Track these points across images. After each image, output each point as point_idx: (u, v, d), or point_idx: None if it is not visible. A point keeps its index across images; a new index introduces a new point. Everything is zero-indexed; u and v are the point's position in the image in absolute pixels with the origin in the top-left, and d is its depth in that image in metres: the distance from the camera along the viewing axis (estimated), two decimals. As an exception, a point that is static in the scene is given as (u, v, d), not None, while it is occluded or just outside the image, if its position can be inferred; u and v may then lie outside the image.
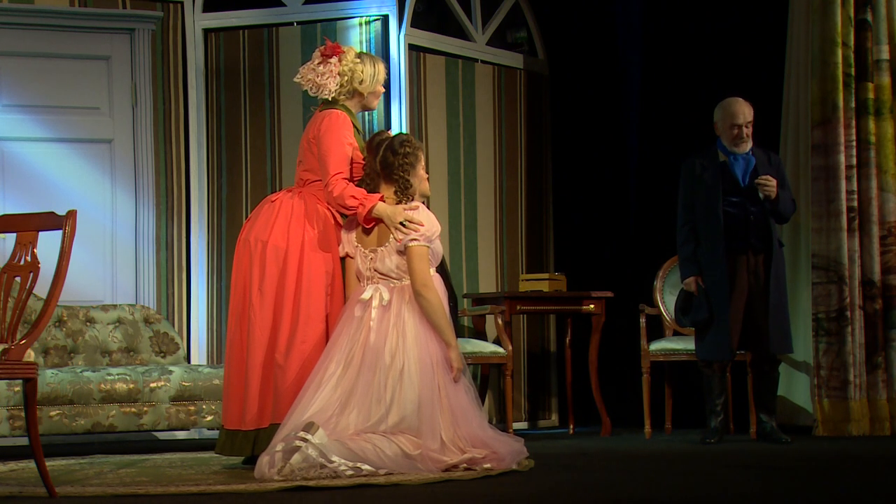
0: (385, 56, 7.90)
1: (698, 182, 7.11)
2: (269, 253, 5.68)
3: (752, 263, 7.02)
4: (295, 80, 5.91)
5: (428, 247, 5.54)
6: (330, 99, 5.84)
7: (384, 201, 5.62)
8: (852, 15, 7.62)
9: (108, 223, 7.93)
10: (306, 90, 5.91)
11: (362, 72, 5.81)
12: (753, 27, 8.44)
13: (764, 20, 8.34)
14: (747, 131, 7.04)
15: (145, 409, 6.89)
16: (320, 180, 5.75)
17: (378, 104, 6.10)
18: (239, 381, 5.70)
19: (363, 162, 5.76)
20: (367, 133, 7.60)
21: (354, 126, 5.82)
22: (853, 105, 7.60)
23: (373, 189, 5.67)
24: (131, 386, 6.85)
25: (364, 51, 7.39)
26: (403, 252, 5.52)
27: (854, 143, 7.59)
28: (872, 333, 7.55)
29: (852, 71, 7.60)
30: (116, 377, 6.85)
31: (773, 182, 6.96)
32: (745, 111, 7.05)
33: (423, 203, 5.71)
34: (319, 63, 5.81)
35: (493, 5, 8.72)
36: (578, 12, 9.05)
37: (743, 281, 7.01)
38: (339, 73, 5.78)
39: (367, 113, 7.78)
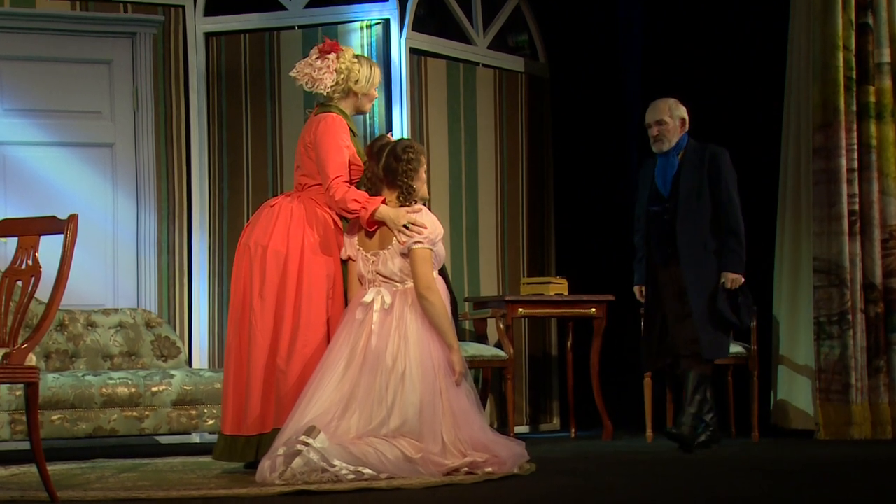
0: (386, 60, 7.90)
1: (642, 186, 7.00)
2: (270, 257, 5.66)
3: (677, 273, 6.77)
4: (291, 74, 5.89)
5: (431, 249, 5.52)
6: (325, 94, 5.82)
7: (386, 204, 5.61)
8: (853, 18, 7.60)
9: (110, 227, 7.91)
10: (308, 92, 5.90)
11: (358, 71, 5.81)
12: (754, 30, 8.43)
13: (765, 23, 8.33)
14: (657, 130, 6.79)
15: (147, 413, 6.88)
16: (319, 184, 5.73)
17: (371, 108, 6.11)
18: (239, 386, 5.67)
19: (360, 165, 5.75)
20: (367, 138, 7.58)
21: (351, 129, 5.81)
22: (854, 108, 7.58)
23: (374, 194, 5.66)
24: (132, 390, 6.85)
25: (365, 54, 7.29)
26: (407, 255, 5.50)
27: (855, 147, 7.57)
28: (874, 337, 7.55)
29: (853, 74, 7.59)
30: (118, 381, 6.84)
31: (738, 280, 6.67)
32: (653, 110, 6.84)
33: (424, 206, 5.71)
34: (317, 58, 5.80)
35: (495, 9, 8.71)
36: (579, 16, 9.04)
37: (665, 289, 6.84)
38: (335, 70, 5.77)
39: (368, 117, 7.84)
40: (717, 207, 6.72)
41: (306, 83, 5.80)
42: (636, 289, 7.06)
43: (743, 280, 6.72)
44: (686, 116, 6.86)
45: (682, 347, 6.73)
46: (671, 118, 6.81)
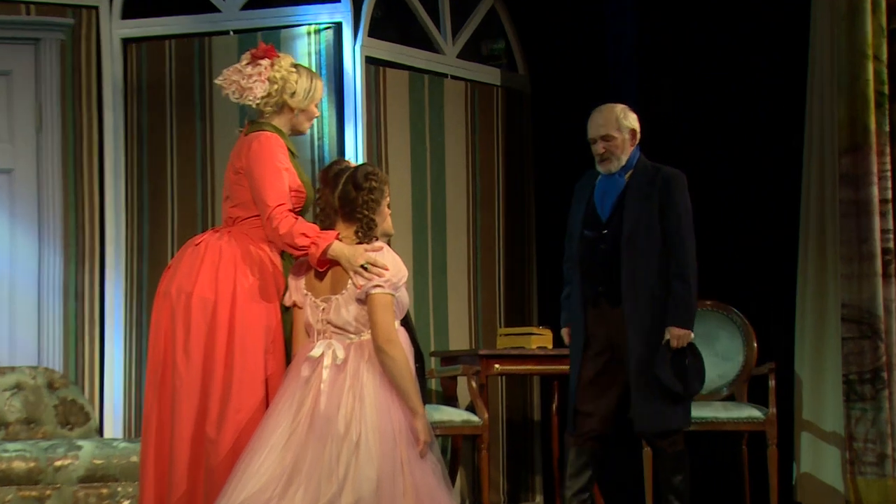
0: (338, 70, 7.76)
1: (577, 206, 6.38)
2: (195, 306, 5.21)
3: (611, 316, 6.12)
4: (216, 81, 5.50)
5: (393, 295, 5.02)
6: (255, 107, 5.47)
7: (341, 240, 5.11)
8: (884, 24, 7.34)
9: (6, 269, 7.67)
10: (242, 105, 5.50)
11: (296, 82, 5.42)
12: (769, 37, 8.09)
13: (782, 29, 8.00)
14: (603, 147, 6.08)
15: (48, 492, 6.70)
16: (254, 216, 5.29)
17: (309, 129, 5.71)
18: (161, 459, 5.25)
19: (302, 191, 5.35)
20: (316, 163, 7.59)
21: (289, 149, 5.45)
22: (887, 129, 7.30)
23: (327, 227, 5.20)
24: (32, 465, 6.68)
25: (310, 64, 7.43)
26: (363, 301, 5.01)
27: (889, 174, 7.30)
28: (913, 398, 7.40)
29: (885, 89, 7.31)
30: (14, 454, 6.66)
31: (685, 337, 6.00)
32: (595, 122, 6.13)
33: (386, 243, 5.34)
34: (248, 64, 5.42)
35: (466, 12, 8.52)
36: (563, 20, 8.73)
37: (599, 339, 6.14)
38: (268, 79, 5.42)
39: (316, 137, 7.72)
40: (666, 246, 6.07)
41: (233, 92, 5.42)
42: (564, 331, 6.35)
43: (692, 337, 6.02)
44: (637, 126, 6.13)
45: (637, 419, 6.05)
46: (619, 131, 6.10)
